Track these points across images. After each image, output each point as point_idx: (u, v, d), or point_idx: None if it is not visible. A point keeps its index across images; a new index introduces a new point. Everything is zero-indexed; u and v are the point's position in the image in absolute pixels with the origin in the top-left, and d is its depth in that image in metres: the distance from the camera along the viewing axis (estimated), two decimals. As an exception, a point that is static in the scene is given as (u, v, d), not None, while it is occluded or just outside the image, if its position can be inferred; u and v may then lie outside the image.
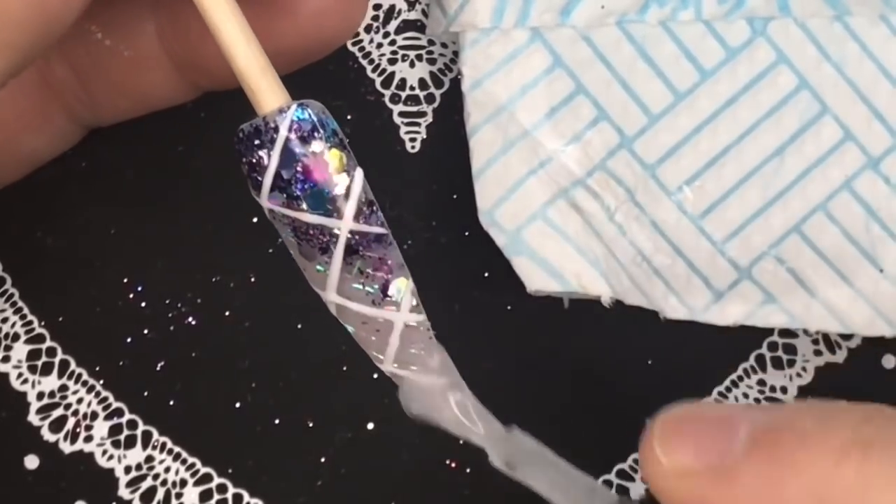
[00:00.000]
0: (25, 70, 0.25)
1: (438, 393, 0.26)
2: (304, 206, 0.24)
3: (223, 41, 0.24)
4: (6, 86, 0.24)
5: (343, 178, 0.24)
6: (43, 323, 0.34)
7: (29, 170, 0.31)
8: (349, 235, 0.24)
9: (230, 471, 0.34)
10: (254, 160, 0.24)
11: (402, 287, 0.25)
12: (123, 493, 0.34)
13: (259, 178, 0.24)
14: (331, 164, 0.24)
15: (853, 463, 0.20)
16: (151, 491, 0.34)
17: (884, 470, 0.20)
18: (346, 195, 0.24)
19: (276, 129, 0.24)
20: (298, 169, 0.24)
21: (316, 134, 0.24)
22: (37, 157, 0.31)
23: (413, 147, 0.35)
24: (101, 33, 0.29)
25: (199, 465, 0.34)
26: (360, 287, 0.25)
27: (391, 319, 0.25)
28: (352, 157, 0.25)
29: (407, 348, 0.25)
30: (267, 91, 0.24)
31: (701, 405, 0.24)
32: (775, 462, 0.21)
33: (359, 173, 0.25)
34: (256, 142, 0.24)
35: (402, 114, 0.35)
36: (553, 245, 0.33)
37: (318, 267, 0.25)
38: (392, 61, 0.35)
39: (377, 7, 0.35)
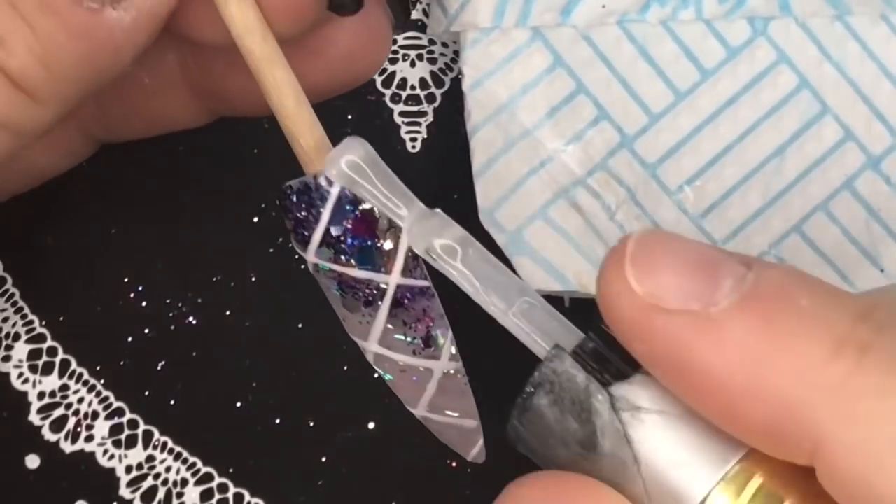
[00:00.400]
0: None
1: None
2: (353, 261, 0.24)
3: (274, 99, 0.24)
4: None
5: (392, 234, 0.25)
6: (44, 322, 0.34)
7: (38, 183, 0.31)
8: (395, 289, 0.24)
9: (231, 470, 0.34)
10: (301, 216, 0.24)
11: (442, 337, 0.25)
12: (124, 492, 0.34)
13: (306, 234, 0.24)
14: (380, 222, 0.24)
15: (846, 362, 0.19)
16: (152, 490, 0.34)
17: (874, 380, 0.19)
18: (395, 251, 0.24)
19: (328, 188, 0.24)
20: (348, 225, 0.24)
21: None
22: (47, 171, 0.31)
23: (414, 147, 0.35)
24: None
25: (199, 464, 0.34)
26: (402, 337, 0.25)
27: (431, 368, 0.25)
28: None
29: (441, 395, 0.25)
30: (316, 150, 0.24)
31: (677, 236, 0.21)
32: (766, 333, 0.19)
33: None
34: (305, 199, 0.24)
35: (402, 113, 0.35)
36: (554, 245, 0.33)
37: (361, 319, 0.25)
38: (393, 61, 0.35)
39: (378, 7, 0.35)
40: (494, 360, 0.35)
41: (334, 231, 0.24)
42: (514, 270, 0.33)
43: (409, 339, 0.25)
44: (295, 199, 0.24)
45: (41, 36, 0.24)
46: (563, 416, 0.21)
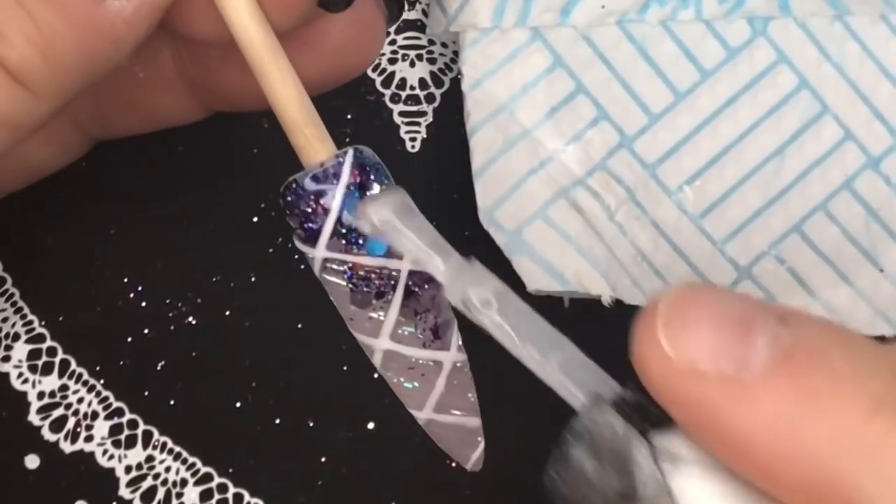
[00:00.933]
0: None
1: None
2: (365, 249, 0.24)
3: (275, 94, 0.24)
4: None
5: None
6: (43, 323, 0.34)
7: (34, 180, 0.31)
8: (407, 276, 0.24)
9: (230, 470, 0.34)
10: (310, 209, 0.24)
11: (449, 328, 0.25)
12: (124, 492, 0.34)
13: (315, 227, 0.24)
14: None
15: (883, 424, 0.19)
16: (152, 490, 0.34)
17: None
18: None
19: (337, 175, 0.24)
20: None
21: (373, 177, 0.24)
22: (43, 168, 0.31)
23: (413, 147, 0.35)
24: None
25: (199, 464, 0.34)
26: (413, 330, 0.25)
27: (440, 360, 0.25)
28: None
29: (449, 392, 0.25)
30: (319, 140, 0.24)
31: (711, 289, 0.21)
32: (801, 396, 0.19)
33: None
34: (314, 190, 0.24)
35: (402, 113, 0.35)
36: (553, 245, 0.33)
37: (372, 313, 0.25)
38: (392, 61, 0.35)
39: (377, 7, 0.35)
40: (495, 360, 0.35)
41: (346, 219, 0.24)
42: (513, 270, 0.33)
43: (419, 330, 0.25)
44: (301, 191, 0.24)
45: (42, 26, 0.23)
46: (602, 467, 0.21)
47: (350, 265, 0.24)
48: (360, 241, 0.24)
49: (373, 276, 0.24)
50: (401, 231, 0.24)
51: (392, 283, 0.24)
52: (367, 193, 0.24)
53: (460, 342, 0.25)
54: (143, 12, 0.24)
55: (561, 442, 0.21)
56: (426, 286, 0.25)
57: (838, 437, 0.19)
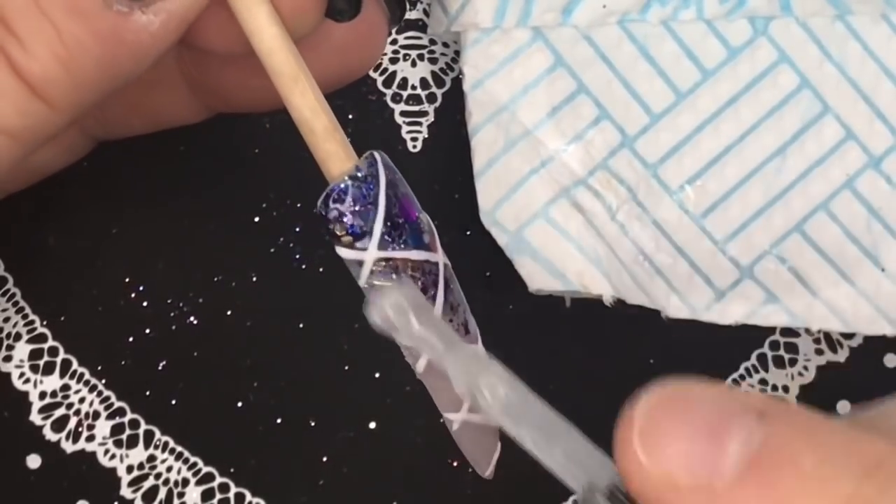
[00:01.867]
0: None
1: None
2: (410, 244, 0.24)
3: (302, 104, 0.24)
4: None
5: (424, 214, 0.25)
6: (45, 322, 0.34)
7: (36, 180, 0.31)
8: (444, 269, 0.24)
9: (232, 470, 0.34)
10: (357, 210, 0.24)
11: (473, 322, 0.25)
12: (125, 492, 0.34)
13: (365, 228, 0.24)
14: (414, 201, 0.25)
15: None
16: (153, 490, 0.34)
17: None
18: (432, 230, 0.25)
19: (376, 176, 0.24)
20: (400, 209, 0.24)
21: (398, 174, 0.24)
22: (46, 168, 0.31)
23: (415, 146, 0.35)
24: None
25: (200, 464, 0.34)
26: (452, 324, 0.25)
27: None
28: None
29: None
30: (346, 146, 0.24)
31: (687, 392, 0.21)
32: (771, 501, 0.19)
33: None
34: (354, 192, 0.24)
35: (403, 113, 0.35)
36: (555, 244, 0.33)
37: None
38: (394, 61, 0.35)
39: (378, 6, 0.35)
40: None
41: (393, 215, 0.24)
42: (515, 270, 0.33)
43: (455, 324, 0.25)
44: (346, 196, 0.24)
45: (66, 39, 0.23)
46: None
47: (397, 263, 0.24)
48: (405, 234, 0.24)
49: (418, 272, 0.24)
50: (411, 324, 0.24)
51: (433, 277, 0.24)
52: (402, 187, 0.24)
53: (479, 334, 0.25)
54: (170, 27, 0.24)
55: None
56: (454, 277, 0.25)
57: None
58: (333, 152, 0.24)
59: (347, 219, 0.24)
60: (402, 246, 0.24)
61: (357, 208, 0.24)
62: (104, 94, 0.24)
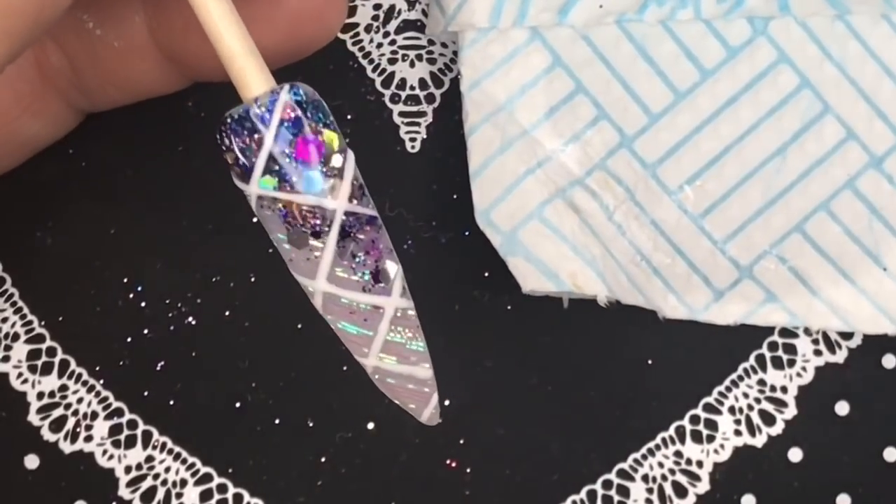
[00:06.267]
0: (21, 55, 0.24)
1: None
2: (298, 187, 0.24)
3: (209, 25, 0.24)
4: (4, 71, 0.24)
5: (337, 159, 0.24)
6: (43, 323, 0.34)
7: (28, 155, 0.31)
8: (343, 217, 0.24)
9: (230, 470, 0.34)
10: (244, 143, 0.24)
11: (392, 271, 0.25)
12: (124, 492, 0.34)
13: (249, 163, 0.24)
14: (325, 145, 0.24)
15: None
16: (152, 491, 0.34)
17: None
18: (341, 176, 0.24)
19: (271, 111, 0.24)
20: (293, 149, 0.24)
21: (309, 114, 0.24)
22: (36, 141, 0.31)
23: (413, 147, 0.35)
24: (92, 23, 0.29)
25: (199, 464, 0.34)
26: (352, 272, 0.25)
27: (382, 305, 0.25)
28: (343, 140, 0.25)
29: (394, 338, 0.25)
30: (256, 73, 0.24)
31: None
32: None
33: (350, 155, 0.24)
34: (248, 124, 0.24)
35: (402, 113, 0.35)
36: (548, 245, 0.33)
37: (309, 254, 0.25)
38: (392, 61, 0.35)
39: (377, 7, 0.35)
40: (495, 360, 0.35)
41: (279, 156, 0.24)
42: (508, 271, 0.33)
43: (358, 274, 0.25)
44: (237, 126, 0.24)
45: None
46: None
47: (284, 203, 0.24)
48: (294, 177, 0.24)
49: (308, 215, 0.24)
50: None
51: (328, 222, 0.24)
52: (306, 129, 0.24)
53: (405, 287, 0.25)
54: None
55: None
56: (366, 228, 0.24)
57: None
58: (239, 77, 0.24)
59: (235, 150, 0.24)
60: (290, 187, 0.24)
61: (244, 142, 0.24)
62: (38, 23, 0.24)
